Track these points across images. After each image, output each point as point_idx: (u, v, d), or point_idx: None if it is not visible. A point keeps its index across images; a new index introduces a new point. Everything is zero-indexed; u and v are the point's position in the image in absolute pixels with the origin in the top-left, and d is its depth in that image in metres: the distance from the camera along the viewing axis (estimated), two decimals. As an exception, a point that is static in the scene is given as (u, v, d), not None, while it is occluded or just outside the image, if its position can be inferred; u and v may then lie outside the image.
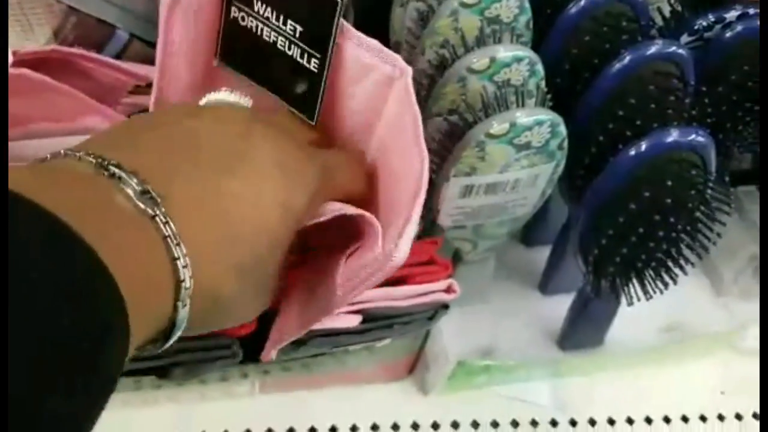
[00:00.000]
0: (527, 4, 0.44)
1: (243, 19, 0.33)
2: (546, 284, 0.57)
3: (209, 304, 0.27)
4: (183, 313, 0.25)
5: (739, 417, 0.55)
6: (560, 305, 0.53)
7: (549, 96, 0.43)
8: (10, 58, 0.39)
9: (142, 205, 0.24)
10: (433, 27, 0.45)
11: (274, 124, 0.32)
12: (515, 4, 0.44)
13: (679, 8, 0.47)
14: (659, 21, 0.47)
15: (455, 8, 0.43)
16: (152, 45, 0.52)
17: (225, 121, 0.29)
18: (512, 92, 0.42)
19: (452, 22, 0.44)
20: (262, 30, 0.33)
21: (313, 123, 0.34)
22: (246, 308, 0.30)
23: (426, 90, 0.46)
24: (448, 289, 0.43)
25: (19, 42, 0.51)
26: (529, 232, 0.59)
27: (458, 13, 0.43)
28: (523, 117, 0.40)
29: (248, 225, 0.27)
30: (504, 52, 0.42)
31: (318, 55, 0.32)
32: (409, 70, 0.32)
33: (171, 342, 0.26)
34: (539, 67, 0.43)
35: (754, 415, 0.55)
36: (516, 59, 0.42)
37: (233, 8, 0.33)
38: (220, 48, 0.35)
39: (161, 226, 0.24)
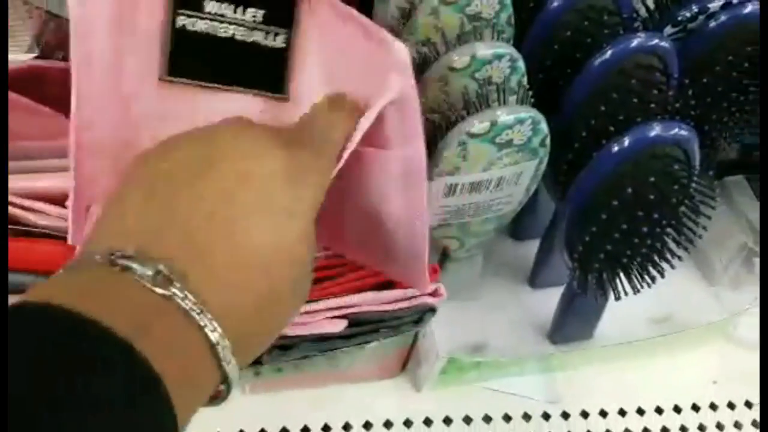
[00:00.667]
0: (508, 0, 0.44)
1: (193, 24, 0.33)
2: (535, 278, 0.57)
3: (253, 339, 0.28)
4: (231, 368, 0.26)
5: (731, 406, 0.55)
6: (550, 299, 0.53)
7: (531, 92, 0.43)
8: None
9: (159, 289, 0.24)
10: (414, 24, 0.44)
11: (253, 137, 0.31)
12: (496, 0, 0.43)
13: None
14: (643, 13, 0.47)
15: (435, 6, 0.43)
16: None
17: (212, 162, 0.29)
18: (494, 90, 0.42)
19: (433, 20, 0.44)
20: (216, 28, 0.33)
21: (286, 96, 0.34)
22: (287, 315, 0.30)
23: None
24: (434, 293, 0.43)
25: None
26: (517, 226, 0.59)
27: (438, 11, 0.43)
28: (503, 115, 0.40)
29: (265, 255, 0.27)
30: (484, 49, 0.41)
31: (284, 29, 0.33)
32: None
33: (232, 392, 0.27)
34: (520, 64, 0.43)
35: (747, 404, 0.55)
36: (497, 56, 0.42)
37: (179, 17, 0.33)
38: (168, 62, 0.33)
39: (180, 303, 0.24)
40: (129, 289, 0.24)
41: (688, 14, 0.46)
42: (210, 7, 0.32)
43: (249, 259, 0.27)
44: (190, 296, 0.25)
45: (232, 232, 0.27)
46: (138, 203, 0.28)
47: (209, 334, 0.25)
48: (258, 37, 0.33)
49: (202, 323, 0.25)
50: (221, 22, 0.33)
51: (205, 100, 0.34)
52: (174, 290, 0.24)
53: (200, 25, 0.33)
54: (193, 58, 0.34)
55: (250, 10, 0.32)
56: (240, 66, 0.34)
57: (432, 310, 0.44)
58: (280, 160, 0.29)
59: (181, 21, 0.33)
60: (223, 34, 0.33)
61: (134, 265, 0.24)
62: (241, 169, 0.28)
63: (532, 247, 0.56)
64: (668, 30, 0.46)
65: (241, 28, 0.33)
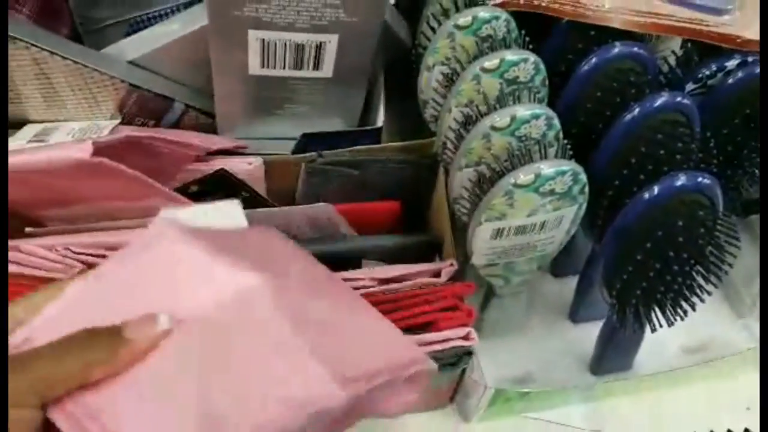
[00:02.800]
0: (542, 66, 0.49)
1: None
2: (575, 313, 0.60)
3: None
4: None
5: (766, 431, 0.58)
6: (590, 332, 0.57)
7: (569, 146, 0.48)
8: (90, 147, 0.43)
9: None
10: (458, 89, 0.49)
11: None
12: (531, 66, 0.48)
13: (684, 58, 0.51)
14: (666, 69, 0.52)
15: (477, 73, 0.48)
16: (206, 114, 0.58)
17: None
18: (534, 143, 0.47)
19: (475, 85, 0.48)
20: None
21: None
22: None
23: (453, 144, 0.51)
24: (467, 337, 0.45)
25: (85, 115, 0.57)
26: (557, 264, 0.63)
27: (480, 77, 0.48)
28: (546, 168, 0.45)
29: None
30: (523, 111, 0.46)
31: None
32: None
33: None
34: (556, 121, 0.47)
35: (781, 430, 0.58)
36: (534, 116, 0.46)
37: None
38: None
39: None
40: None
41: (707, 72, 0.50)
42: None
43: None
44: None
45: None
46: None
47: None
48: None
49: None
50: None
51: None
52: None
53: None
54: None
55: None
56: None
57: (469, 353, 0.47)
58: None
59: None
60: None
61: None
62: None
63: (570, 283, 0.60)
64: (690, 86, 0.51)
65: None
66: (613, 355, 0.56)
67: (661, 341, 0.54)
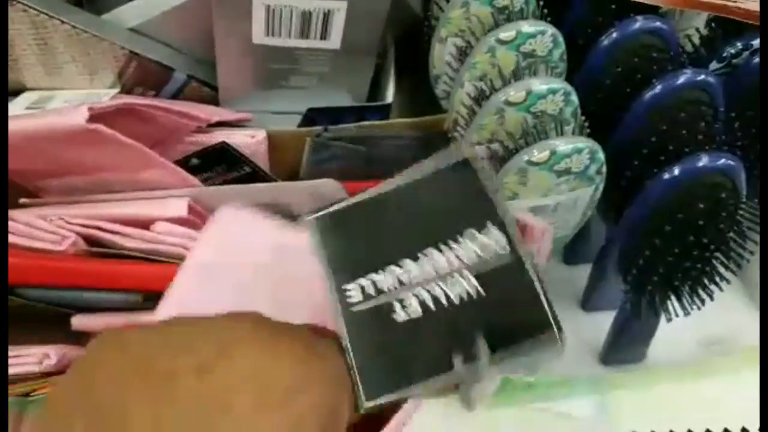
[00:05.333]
0: (561, 38, 0.47)
1: None
2: (587, 301, 0.58)
3: None
4: None
5: (781, 428, 0.56)
6: (602, 322, 0.55)
7: (586, 123, 0.45)
8: (86, 112, 0.42)
9: None
10: (472, 62, 0.47)
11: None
12: (549, 39, 0.46)
13: (708, 36, 0.49)
14: (689, 48, 0.49)
15: (492, 45, 0.46)
16: (208, 85, 0.56)
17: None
18: (550, 120, 0.45)
19: (490, 58, 0.47)
20: None
21: None
22: None
23: (465, 120, 0.49)
24: None
25: (84, 83, 0.55)
26: (569, 251, 0.61)
27: (495, 49, 0.46)
28: (562, 145, 0.43)
29: None
30: (539, 85, 0.44)
31: None
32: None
33: None
34: (574, 97, 0.45)
35: (797, 427, 0.56)
36: (551, 91, 0.44)
37: None
38: None
39: None
40: None
41: (732, 50, 0.48)
42: None
43: None
44: None
45: None
46: None
47: None
48: None
49: None
50: None
51: None
52: None
53: None
54: None
55: None
56: None
57: None
58: None
59: None
60: None
61: None
62: None
63: (584, 271, 0.58)
64: (714, 65, 0.48)
65: None
66: (625, 346, 0.55)
67: (676, 333, 0.52)
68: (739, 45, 0.48)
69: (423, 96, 0.56)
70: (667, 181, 0.42)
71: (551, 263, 0.60)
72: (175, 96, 0.56)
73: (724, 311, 0.57)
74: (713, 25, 0.50)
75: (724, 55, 0.48)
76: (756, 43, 0.47)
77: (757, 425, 0.56)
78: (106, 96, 0.54)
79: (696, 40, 0.50)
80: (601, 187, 0.46)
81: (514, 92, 0.44)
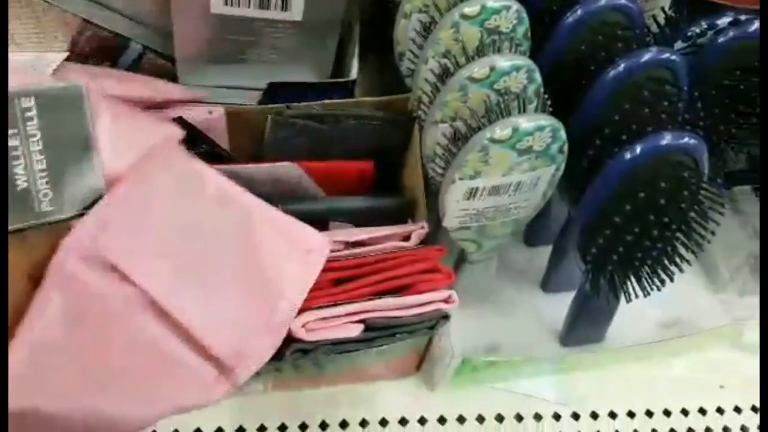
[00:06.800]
0: (525, 15, 0.46)
1: None
2: (547, 282, 0.58)
3: None
4: None
5: (738, 410, 0.56)
6: (562, 303, 0.55)
7: (549, 102, 0.45)
8: None
9: None
10: (436, 38, 0.46)
11: None
12: (514, 15, 0.45)
13: (674, 15, 0.49)
14: (654, 28, 0.49)
15: (456, 20, 0.45)
16: (165, 57, 0.54)
17: None
18: (513, 98, 0.44)
19: (453, 33, 0.46)
20: None
21: None
22: None
23: (429, 98, 0.48)
24: (447, 299, 0.44)
25: (35, 51, 0.53)
26: (530, 232, 0.60)
27: (459, 25, 0.45)
28: (525, 122, 0.42)
29: None
30: (503, 61, 0.43)
31: None
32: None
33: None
34: (537, 75, 0.45)
35: (753, 408, 0.57)
36: (515, 68, 0.44)
37: None
38: None
39: None
40: None
41: (697, 30, 0.48)
42: None
43: None
44: None
45: None
46: None
47: None
48: None
49: None
50: None
51: None
52: None
53: None
54: None
55: None
56: None
57: (446, 317, 0.45)
58: None
59: None
60: None
61: None
62: None
63: (544, 252, 0.57)
64: (678, 45, 0.48)
65: None
66: (584, 327, 0.55)
67: (635, 314, 0.52)
68: (704, 24, 0.47)
69: (388, 77, 0.55)
70: (629, 159, 0.42)
71: (512, 244, 0.59)
72: (132, 67, 0.54)
73: (684, 294, 0.58)
74: (679, 4, 0.50)
75: (689, 34, 0.47)
76: (721, 22, 0.47)
77: (715, 406, 0.57)
78: (55, 61, 0.52)
79: (661, 19, 0.49)
80: (562, 167, 0.46)
81: (478, 68, 0.44)
